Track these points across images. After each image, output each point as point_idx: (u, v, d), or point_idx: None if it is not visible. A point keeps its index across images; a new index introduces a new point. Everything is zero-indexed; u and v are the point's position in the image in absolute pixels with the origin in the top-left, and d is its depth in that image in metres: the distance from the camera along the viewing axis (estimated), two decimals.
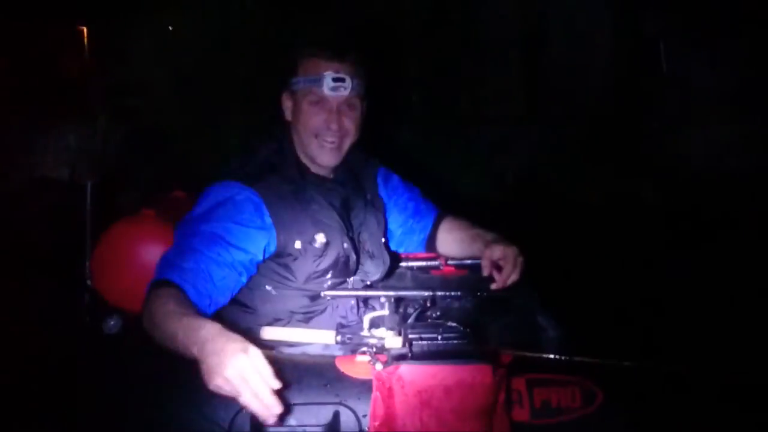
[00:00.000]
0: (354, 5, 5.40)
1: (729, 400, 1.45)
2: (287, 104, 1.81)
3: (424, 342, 1.37)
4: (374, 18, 5.26)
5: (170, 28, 5.38)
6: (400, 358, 1.34)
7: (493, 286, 1.76)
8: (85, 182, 2.04)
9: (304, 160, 1.81)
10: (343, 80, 1.71)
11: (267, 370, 1.18)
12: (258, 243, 1.63)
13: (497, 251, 1.78)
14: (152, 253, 1.67)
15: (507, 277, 1.75)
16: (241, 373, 1.16)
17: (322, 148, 1.77)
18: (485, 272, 1.77)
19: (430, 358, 1.33)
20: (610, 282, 3.00)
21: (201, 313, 1.42)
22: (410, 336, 1.39)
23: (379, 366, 1.34)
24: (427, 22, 5.69)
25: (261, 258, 1.65)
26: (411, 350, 1.36)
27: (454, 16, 5.81)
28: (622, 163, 4.99)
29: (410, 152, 5.06)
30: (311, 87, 1.73)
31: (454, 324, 1.42)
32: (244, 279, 1.62)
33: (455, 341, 1.37)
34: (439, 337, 1.38)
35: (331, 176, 1.85)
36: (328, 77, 1.71)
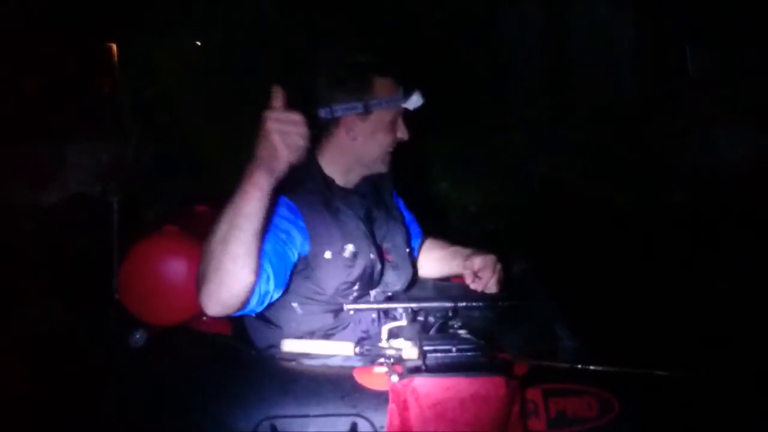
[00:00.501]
0: (378, 15, 5.42)
1: (749, 410, 1.44)
2: (354, 126, 1.76)
3: (439, 354, 1.38)
4: (399, 26, 5.27)
5: (198, 43, 5.47)
6: (415, 370, 1.35)
7: (473, 286, 1.80)
8: (112, 198, 2.08)
9: (330, 173, 1.81)
10: (420, 93, 1.77)
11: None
12: (296, 237, 1.64)
13: (477, 262, 1.82)
14: (175, 268, 1.71)
15: (486, 283, 1.78)
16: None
17: (385, 158, 1.83)
18: (468, 283, 1.81)
19: (444, 370, 1.34)
20: (634, 288, 2.97)
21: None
22: (425, 348, 1.40)
23: (394, 378, 1.34)
24: (450, 29, 5.68)
25: (298, 250, 1.65)
26: (425, 363, 1.37)
27: (477, 22, 5.80)
28: (648, 165, 4.94)
29: (435, 159, 5.08)
30: (394, 105, 1.76)
31: (468, 336, 1.43)
32: (293, 256, 1.62)
33: (469, 353, 1.38)
34: (454, 349, 1.39)
35: (353, 188, 1.86)
36: (408, 93, 1.76)
